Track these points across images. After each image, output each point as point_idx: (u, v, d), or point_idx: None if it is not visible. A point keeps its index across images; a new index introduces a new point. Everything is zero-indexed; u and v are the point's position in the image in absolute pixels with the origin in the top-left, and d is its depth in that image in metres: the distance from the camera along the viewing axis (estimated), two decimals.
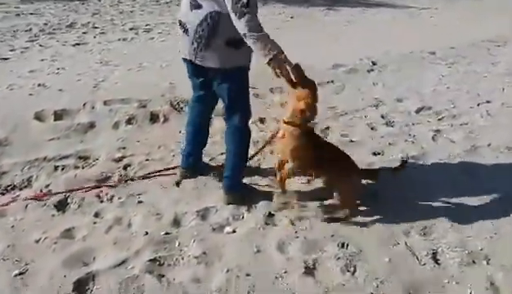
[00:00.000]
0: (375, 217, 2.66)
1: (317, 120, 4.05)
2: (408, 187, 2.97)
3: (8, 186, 2.88)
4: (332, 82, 5.17)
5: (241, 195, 2.76)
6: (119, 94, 4.25)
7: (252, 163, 3.14)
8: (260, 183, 2.97)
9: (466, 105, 4.61)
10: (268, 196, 2.79)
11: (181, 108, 4.08)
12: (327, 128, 3.91)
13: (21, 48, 5.71)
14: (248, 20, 2.19)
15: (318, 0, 11.04)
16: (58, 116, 3.81)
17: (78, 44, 6.07)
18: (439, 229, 2.58)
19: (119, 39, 6.43)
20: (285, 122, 2.50)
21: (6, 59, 5.26)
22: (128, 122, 3.83)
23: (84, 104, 3.99)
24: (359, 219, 2.64)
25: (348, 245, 2.42)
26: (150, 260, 2.25)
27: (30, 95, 4.20)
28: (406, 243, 2.46)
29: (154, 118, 3.94)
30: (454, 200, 2.88)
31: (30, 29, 6.64)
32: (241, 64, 2.49)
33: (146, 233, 2.46)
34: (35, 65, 5.07)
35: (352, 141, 3.68)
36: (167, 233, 2.46)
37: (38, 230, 2.46)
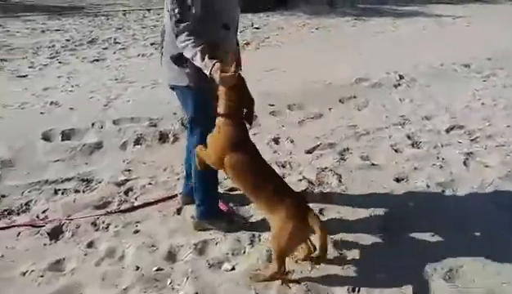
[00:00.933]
0: (390, 255, 2.36)
1: (336, 140, 3.88)
2: (432, 219, 2.65)
3: (5, 211, 2.77)
4: (354, 97, 4.89)
5: (210, 222, 2.58)
6: (129, 112, 4.14)
7: None
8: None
9: (503, 124, 4.22)
10: None
11: None
12: (346, 150, 3.63)
13: (40, 65, 5.74)
14: (180, 36, 2.14)
15: (346, 10, 10.78)
16: (66, 136, 3.72)
17: (96, 60, 6.06)
18: (468, 273, 2.26)
19: (138, 55, 6.37)
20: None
21: (23, 76, 5.28)
22: (137, 142, 3.69)
23: (93, 124, 3.89)
24: (372, 257, 2.35)
25: (359, 290, 2.13)
26: None
27: (41, 113, 4.15)
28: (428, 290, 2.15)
29: (163, 137, 3.80)
30: (486, 237, 2.54)
31: (53, 46, 6.71)
32: (187, 83, 2.31)
33: (137, 268, 2.27)
34: (51, 82, 5.05)
35: (373, 165, 3.39)
36: (159, 269, 2.26)
37: (27, 261, 2.32)
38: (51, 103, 4.38)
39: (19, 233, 2.54)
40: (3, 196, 2.90)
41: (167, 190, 2.99)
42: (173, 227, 2.60)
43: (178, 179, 3.10)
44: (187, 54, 2.15)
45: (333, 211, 2.76)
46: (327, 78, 5.34)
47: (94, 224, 2.65)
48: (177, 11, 2.12)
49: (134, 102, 4.46)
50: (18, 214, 2.75)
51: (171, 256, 2.37)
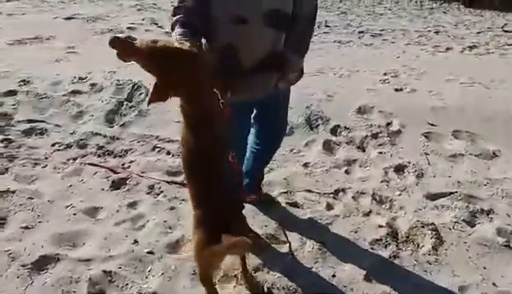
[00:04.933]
0: None
1: (482, 194, 2.79)
2: None
3: (108, 151, 3.15)
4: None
5: None
6: None
7: None
8: None
9: None
10: None
11: None
12: (485, 212, 2.58)
13: None
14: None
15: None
16: None
17: None
18: None
19: None
20: None
21: None
22: None
23: None
24: None
25: None
26: None
27: None
28: None
29: None
30: None
31: None
32: None
33: (135, 242, 2.25)
34: None
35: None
36: (149, 253, 2.18)
37: (75, 199, 2.58)
38: None
39: (96, 172, 2.89)
40: (117, 138, 3.34)
41: None
42: None
43: None
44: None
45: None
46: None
47: (151, 187, 2.76)
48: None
49: None
50: (114, 157, 3.12)
51: (175, 246, 2.25)
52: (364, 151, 3.34)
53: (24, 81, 4.12)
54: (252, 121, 2.33)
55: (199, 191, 1.74)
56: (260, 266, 2.14)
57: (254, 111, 2.26)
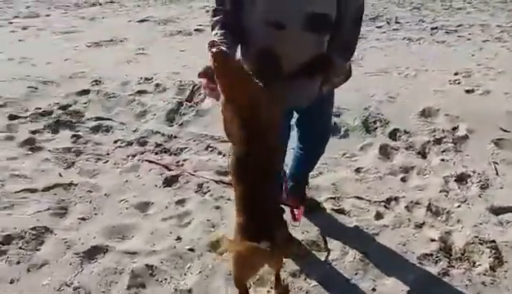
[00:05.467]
0: None
1: None
2: None
3: (165, 149, 3.29)
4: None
5: None
6: None
7: None
8: None
9: None
10: None
11: None
12: None
13: None
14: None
15: None
16: None
17: None
18: None
19: None
20: None
21: None
22: None
23: None
24: None
25: None
26: None
27: None
28: None
29: None
30: None
31: None
32: None
33: (178, 238, 2.33)
34: None
35: None
36: (190, 250, 2.24)
37: (128, 193, 2.73)
38: None
39: (151, 169, 3.03)
40: (175, 137, 3.47)
41: None
42: None
43: None
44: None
45: None
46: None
47: (200, 185, 2.83)
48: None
49: None
50: (170, 155, 3.25)
51: (213, 246, 2.29)
52: (424, 158, 3.13)
53: (96, 81, 4.44)
54: (295, 124, 2.29)
55: (247, 200, 1.69)
56: (297, 272, 2.11)
57: (295, 115, 2.21)
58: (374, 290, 2.02)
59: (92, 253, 2.22)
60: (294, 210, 2.34)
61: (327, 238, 2.33)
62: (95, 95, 4.15)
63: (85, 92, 4.21)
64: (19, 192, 2.71)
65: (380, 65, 4.61)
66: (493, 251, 2.21)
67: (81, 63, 5.07)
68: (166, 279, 2.07)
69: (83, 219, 2.50)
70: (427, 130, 3.37)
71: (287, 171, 2.52)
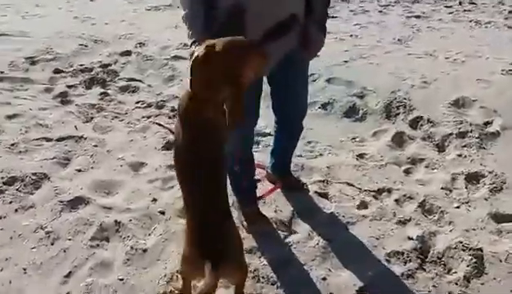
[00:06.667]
0: None
1: None
2: None
3: None
4: None
5: None
6: None
7: None
8: None
9: None
10: None
11: None
12: None
13: None
14: None
15: None
16: None
17: None
18: None
19: None
20: None
21: None
22: None
23: None
24: None
25: None
26: None
27: None
28: None
29: None
30: None
31: None
32: None
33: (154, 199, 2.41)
34: None
35: None
36: None
37: None
38: None
39: (158, 131, 3.12)
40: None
41: None
42: None
43: None
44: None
45: None
46: None
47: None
48: None
49: None
50: None
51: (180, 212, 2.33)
52: (441, 151, 2.87)
53: (140, 43, 4.64)
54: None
55: (193, 200, 1.57)
56: (254, 249, 2.08)
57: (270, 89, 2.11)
58: (324, 279, 1.93)
59: (75, 203, 2.38)
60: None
61: (298, 220, 2.26)
62: (135, 57, 4.35)
63: (127, 53, 4.42)
64: (37, 139, 2.97)
65: (429, 47, 4.22)
66: (474, 260, 1.99)
67: (134, 25, 5.32)
68: (128, 237, 2.16)
69: (79, 171, 2.67)
70: (453, 121, 3.06)
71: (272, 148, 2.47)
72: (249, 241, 2.11)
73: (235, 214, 2.24)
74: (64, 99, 3.59)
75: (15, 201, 2.38)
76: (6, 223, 2.22)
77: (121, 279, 1.91)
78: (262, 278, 1.93)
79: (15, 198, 2.40)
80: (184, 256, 1.58)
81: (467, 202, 2.38)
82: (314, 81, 3.66)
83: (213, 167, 1.56)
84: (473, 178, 2.56)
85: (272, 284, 1.90)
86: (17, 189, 2.47)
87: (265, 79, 2.04)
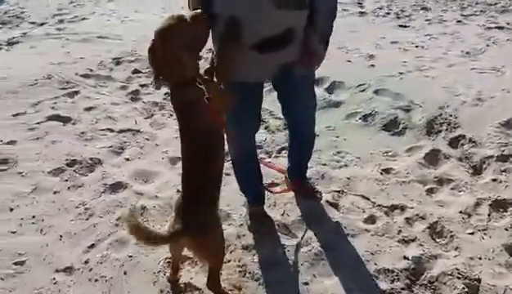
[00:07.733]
0: None
1: None
2: None
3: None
4: None
5: None
6: None
7: None
8: None
9: None
10: None
11: None
12: None
13: None
14: None
15: None
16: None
17: None
18: None
19: None
20: None
21: None
22: None
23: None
24: None
25: None
26: None
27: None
28: None
29: None
30: None
31: None
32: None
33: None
34: None
35: None
36: None
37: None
38: None
39: None
40: None
41: None
42: None
43: None
44: None
45: None
46: None
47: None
48: None
49: None
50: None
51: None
52: (476, 173, 2.71)
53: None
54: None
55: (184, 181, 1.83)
56: (250, 247, 2.25)
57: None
58: (306, 284, 2.02)
59: (115, 187, 2.77)
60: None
61: (301, 226, 2.36)
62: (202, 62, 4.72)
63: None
64: (102, 130, 3.47)
65: (498, 62, 3.91)
66: (467, 290, 1.91)
67: None
68: (148, 221, 2.48)
69: (128, 159, 3.08)
70: (498, 143, 2.86)
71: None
72: (247, 238, 2.29)
73: (244, 212, 2.45)
74: (134, 96, 4.08)
75: (70, 180, 2.85)
76: (59, 197, 2.69)
77: (130, 256, 2.22)
78: (249, 273, 2.09)
79: (71, 177, 2.88)
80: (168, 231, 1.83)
81: (484, 230, 2.26)
82: (362, 91, 3.67)
83: (201, 153, 1.80)
84: (500, 205, 2.41)
85: (256, 281, 2.06)
86: (74, 171, 2.94)
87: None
